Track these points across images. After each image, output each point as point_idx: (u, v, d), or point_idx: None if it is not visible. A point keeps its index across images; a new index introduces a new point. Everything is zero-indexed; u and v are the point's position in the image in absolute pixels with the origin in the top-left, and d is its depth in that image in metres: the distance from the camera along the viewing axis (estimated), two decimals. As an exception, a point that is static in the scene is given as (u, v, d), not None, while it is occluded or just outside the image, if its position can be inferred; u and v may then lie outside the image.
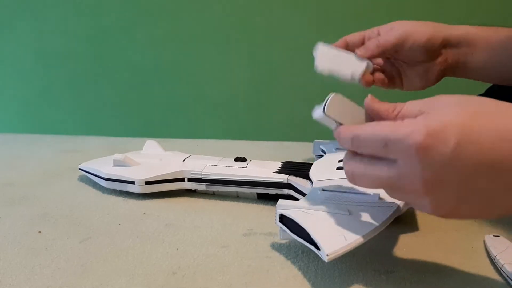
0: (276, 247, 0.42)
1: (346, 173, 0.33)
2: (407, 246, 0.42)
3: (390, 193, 0.32)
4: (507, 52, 0.49)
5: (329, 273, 0.37)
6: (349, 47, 0.54)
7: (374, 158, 0.31)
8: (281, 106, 0.97)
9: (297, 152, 0.76)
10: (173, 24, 0.96)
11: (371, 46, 0.50)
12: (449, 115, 0.28)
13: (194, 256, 0.40)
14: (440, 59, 0.51)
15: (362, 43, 0.54)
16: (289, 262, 0.39)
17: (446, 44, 0.50)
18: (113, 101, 1.03)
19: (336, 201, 0.40)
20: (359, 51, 0.51)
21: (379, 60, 0.55)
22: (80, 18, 0.99)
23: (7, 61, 1.05)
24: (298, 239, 0.36)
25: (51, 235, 0.44)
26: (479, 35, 0.50)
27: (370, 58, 0.51)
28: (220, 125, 1.01)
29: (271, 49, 0.95)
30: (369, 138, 0.30)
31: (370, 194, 0.41)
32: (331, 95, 0.34)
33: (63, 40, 1.01)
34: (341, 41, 0.54)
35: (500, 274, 0.36)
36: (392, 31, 0.50)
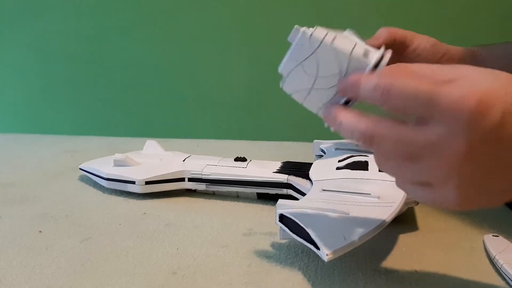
0: (276, 247, 0.42)
1: (364, 133, 0.28)
2: (407, 246, 0.42)
3: (405, 171, 0.27)
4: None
5: (329, 272, 0.37)
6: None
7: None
8: (281, 106, 0.97)
9: (297, 152, 0.77)
10: (173, 24, 0.96)
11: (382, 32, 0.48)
12: (487, 81, 0.25)
13: (194, 256, 0.40)
14: None
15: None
16: (289, 262, 0.39)
17: (449, 55, 0.50)
18: (113, 101, 1.03)
19: (336, 201, 0.40)
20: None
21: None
22: (80, 18, 0.99)
23: (7, 61, 1.05)
24: (298, 239, 0.36)
25: (51, 235, 0.44)
26: (480, 51, 0.51)
27: (381, 44, 0.50)
28: (220, 125, 1.01)
29: (271, 49, 0.95)
30: (408, 91, 0.26)
31: (369, 194, 0.41)
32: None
33: (63, 40, 1.01)
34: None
35: (499, 273, 0.37)
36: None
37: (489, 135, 0.24)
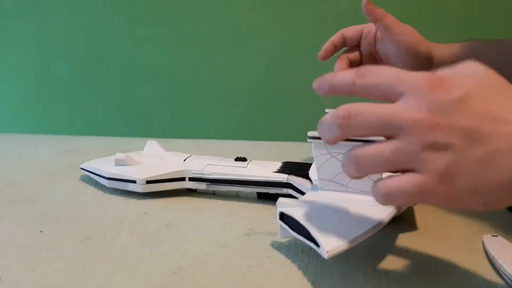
0: (276, 246, 0.42)
1: (348, 161, 0.29)
2: (407, 246, 0.42)
3: (391, 155, 0.28)
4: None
5: (329, 272, 0.37)
6: (346, 43, 0.55)
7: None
8: (281, 106, 0.97)
9: (297, 152, 0.77)
10: (174, 25, 0.97)
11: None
12: (451, 70, 0.29)
13: (195, 255, 0.40)
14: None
15: (359, 39, 0.55)
16: (289, 262, 0.39)
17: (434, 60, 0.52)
18: (113, 101, 1.03)
19: (336, 200, 0.41)
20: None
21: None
22: (81, 18, 0.99)
23: (7, 61, 1.05)
24: (298, 237, 0.36)
25: (52, 235, 0.45)
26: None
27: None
28: (220, 125, 1.01)
29: (272, 50, 0.95)
30: (379, 78, 0.29)
31: (370, 193, 0.41)
32: None
33: (63, 40, 1.01)
34: (338, 34, 0.55)
35: (499, 273, 0.37)
36: (391, 44, 0.52)
37: (452, 107, 0.26)
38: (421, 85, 0.27)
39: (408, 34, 0.51)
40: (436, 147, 0.26)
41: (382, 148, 0.28)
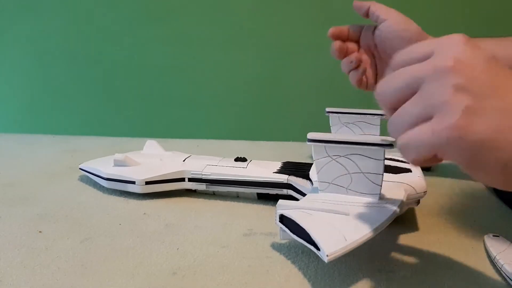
0: (276, 247, 0.42)
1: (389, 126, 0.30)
2: (407, 246, 0.42)
3: (408, 107, 0.29)
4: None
5: (329, 273, 0.37)
6: (350, 34, 0.56)
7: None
8: (281, 106, 0.97)
9: (297, 152, 0.77)
10: (174, 25, 0.96)
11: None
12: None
13: (194, 256, 0.40)
14: None
15: (360, 32, 0.56)
16: (289, 262, 0.39)
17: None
18: (113, 101, 1.03)
19: (336, 201, 0.40)
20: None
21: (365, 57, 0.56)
22: (80, 18, 0.99)
23: (7, 61, 1.04)
24: (298, 239, 0.36)
25: (51, 235, 0.44)
26: None
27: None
28: (220, 125, 1.01)
29: (272, 50, 0.95)
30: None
31: (370, 195, 0.41)
32: None
33: (63, 40, 1.01)
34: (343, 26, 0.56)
35: (500, 274, 0.37)
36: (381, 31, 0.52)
37: (478, 62, 0.27)
38: (450, 43, 0.28)
39: (393, 18, 0.52)
40: (457, 88, 0.27)
41: (406, 104, 0.29)
